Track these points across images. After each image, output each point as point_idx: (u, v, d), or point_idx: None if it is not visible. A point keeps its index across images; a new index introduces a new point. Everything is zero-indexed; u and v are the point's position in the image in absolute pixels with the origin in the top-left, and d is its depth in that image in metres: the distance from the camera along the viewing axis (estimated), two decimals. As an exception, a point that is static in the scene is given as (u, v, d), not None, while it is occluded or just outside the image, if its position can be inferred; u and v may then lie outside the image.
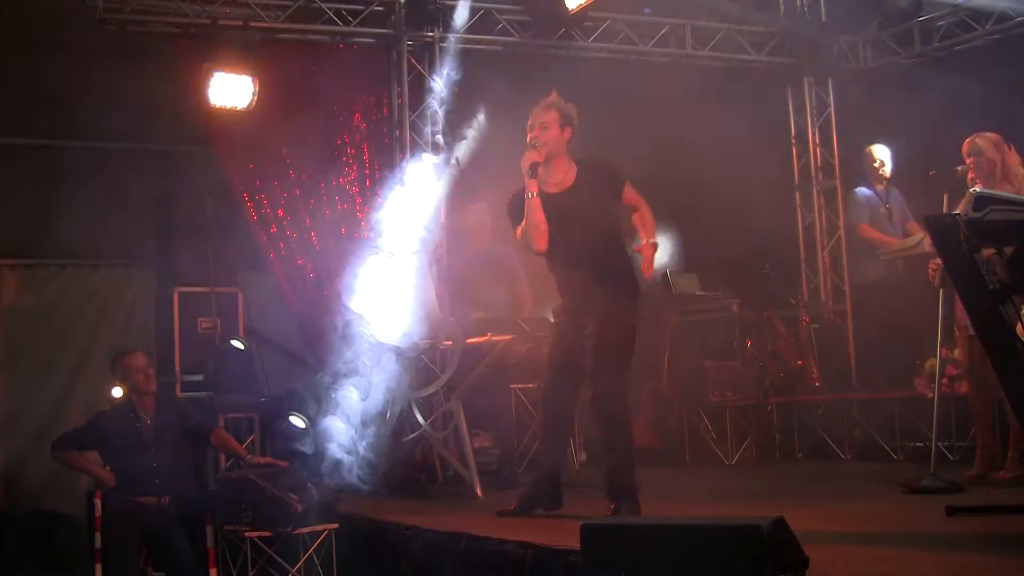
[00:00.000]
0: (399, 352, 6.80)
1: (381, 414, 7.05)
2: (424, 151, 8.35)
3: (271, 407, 8.37)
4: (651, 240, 5.45)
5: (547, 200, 5.43)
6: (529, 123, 5.51)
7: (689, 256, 9.22)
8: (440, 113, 8.43)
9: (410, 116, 8.73)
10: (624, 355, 5.34)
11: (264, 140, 8.63)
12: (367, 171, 8.93)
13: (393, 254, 7.04)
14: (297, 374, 8.72)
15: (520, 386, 7.77)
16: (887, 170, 8.49)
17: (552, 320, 5.78)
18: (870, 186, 8.54)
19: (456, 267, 8.12)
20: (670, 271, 8.94)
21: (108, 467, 6.48)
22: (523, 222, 5.36)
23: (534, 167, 5.33)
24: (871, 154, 8.48)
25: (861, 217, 8.50)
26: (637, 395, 8.56)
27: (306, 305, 8.61)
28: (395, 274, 7.03)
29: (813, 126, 10.11)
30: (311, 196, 8.87)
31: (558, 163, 5.55)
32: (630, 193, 5.48)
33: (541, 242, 5.33)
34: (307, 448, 6.37)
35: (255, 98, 8.27)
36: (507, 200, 5.55)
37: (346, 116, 8.98)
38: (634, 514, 5.26)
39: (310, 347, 8.41)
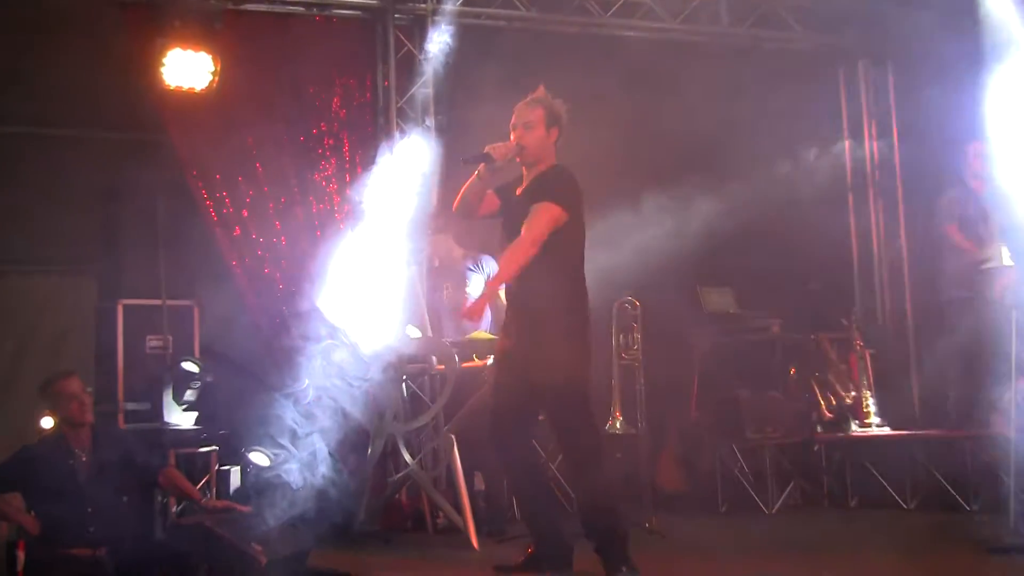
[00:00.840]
0: (385, 367, 6.86)
1: (361, 449, 7.16)
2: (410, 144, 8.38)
3: (231, 441, 8.16)
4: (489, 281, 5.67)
5: (510, 204, 5.70)
6: (512, 121, 5.66)
7: (722, 268, 9.21)
8: (432, 98, 8.61)
9: (397, 101, 8.79)
10: (579, 399, 5.47)
11: (227, 128, 8.58)
12: (347, 165, 8.88)
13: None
14: (262, 401, 8.08)
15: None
16: (987, 167, 8.30)
17: (496, 353, 5.88)
18: (966, 184, 8.42)
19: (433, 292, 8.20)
20: (700, 286, 8.95)
21: (33, 512, 6.26)
22: (462, 190, 5.61)
23: (481, 157, 5.52)
24: (973, 149, 8.32)
25: (946, 218, 8.42)
26: (661, 431, 8.65)
27: (273, 321, 8.55)
28: (382, 284, 7.15)
29: (870, 117, 10.05)
30: (281, 194, 8.82)
31: (543, 166, 5.72)
32: (538, 209, 5.52)
33: (463, 207, 5.64)
34: (272, 490, 6.34)
35: (216, 79, 8.29)
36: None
37: (323, 101, 8.95)
38: None
39: (277, 370, 7.97)
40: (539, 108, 5.67)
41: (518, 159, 5.65)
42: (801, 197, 8.99)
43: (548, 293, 5.52)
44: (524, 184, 5.76)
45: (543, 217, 5.50)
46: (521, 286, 5.61)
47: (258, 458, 6.83)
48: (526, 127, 5.64)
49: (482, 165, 5.61)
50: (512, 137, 5.65)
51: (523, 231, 5.51)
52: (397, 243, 7.57)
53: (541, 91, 5.73)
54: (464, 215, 5.78)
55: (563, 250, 5.59)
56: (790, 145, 8.98)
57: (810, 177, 9.13)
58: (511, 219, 5.66)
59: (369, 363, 6.98)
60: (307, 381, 6.73)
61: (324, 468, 6.46)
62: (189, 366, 8.27)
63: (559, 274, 5.56)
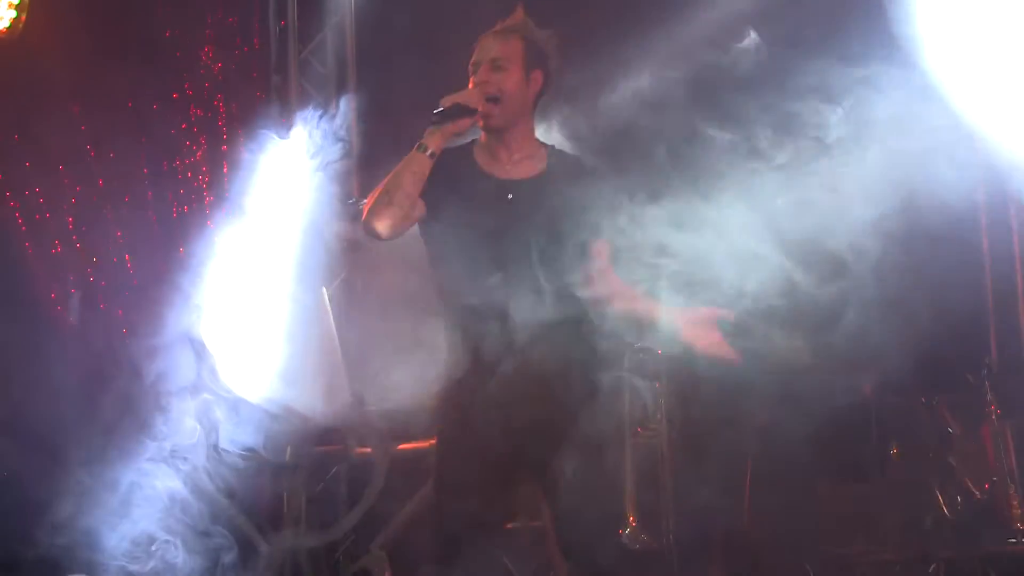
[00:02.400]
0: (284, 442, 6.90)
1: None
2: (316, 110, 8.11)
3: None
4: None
5: (493, 188, 5.38)
6: (473, 57, 5.41)
7: (791, 305, 8.41)
8: (352, 47, 8.58)
9: (299, 51, 8.64)
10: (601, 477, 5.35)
11: (39, 93, 8.43)
12: (224, 146, 8.76)
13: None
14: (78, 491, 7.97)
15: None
16: None
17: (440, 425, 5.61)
18: None
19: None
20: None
21: None
22: (379, 187, 5.33)
23: (456, 111, 5.24)
24: None
25: None
26: (698, 545, 8.31)
27: (108, 362, 8.28)
28: (277, 316, 7.27)
29: None
30: (125, 191, 8.66)
31: (518, 133, 5.44)
32: None
33: (388, 214, 5.29)
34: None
35: (24, 17, 8.12)
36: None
37: (187, 52, 8.83)
38: None
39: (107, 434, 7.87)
40: (514, 39, 5.35)
41: (479, 121, 5.33)
42: (910, 207, 8.13)
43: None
44: (509, 156, 5.41)
45: None
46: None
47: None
48: (494, 65, 5.30)
49: (443, 130, 5.29)
50: (471, 81, 5.35)
51: None
52: (300, 257, 7.54)
53: (520, 15, 5.41)
54: (392, 223, 5.34)
55: None
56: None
57: (923, 181, 8.15)
58: (519, 213, 5.32)
59: (261, 430, 6.89)
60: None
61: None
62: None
63: None
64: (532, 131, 5.52)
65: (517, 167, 5.41)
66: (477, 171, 5.40)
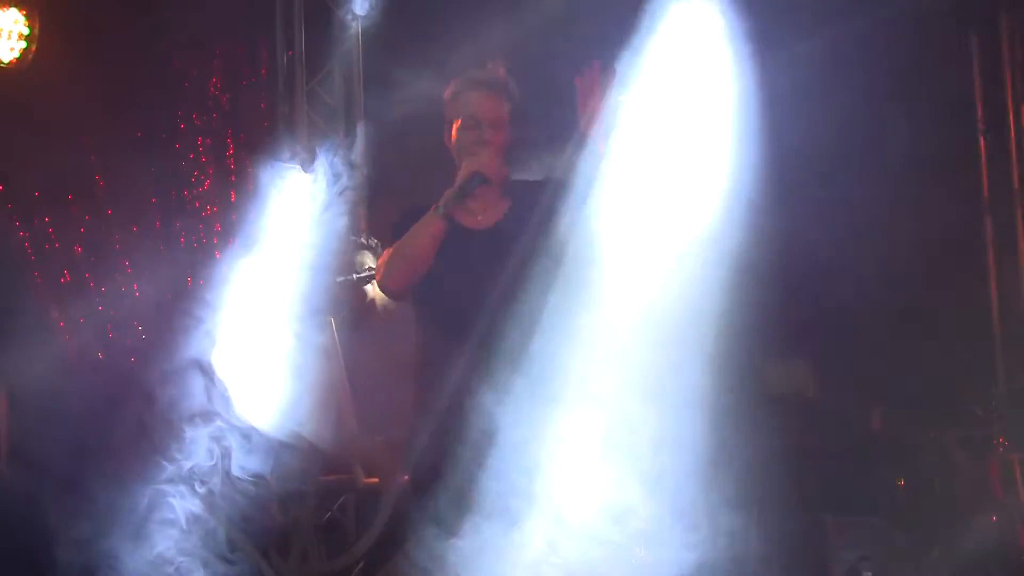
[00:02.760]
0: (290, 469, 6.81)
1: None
2: (329, 140, 8.05)
3: None
4: None
5: (461, 237, 5.43)
6: (470, 110, 5.44)
7: (795, 330, 8.77)
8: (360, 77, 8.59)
9: (308, 81, 8.59)
10: None
11: (50, 121, 8.35)
12: (232, 176, 8.71)
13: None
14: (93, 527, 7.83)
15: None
16: None
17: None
18: None
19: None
20: (761, 357, 8.54)
21: None
22: (395, 246, 5.43)
23: (477, 180, 5.31)
24: None
25: None
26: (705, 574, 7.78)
27: (117, 405, 8.08)
28: (283, 348, 7.13)
29: (1017, 99, 9.56)
30: (133, 220, 8.67)
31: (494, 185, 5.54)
32: None
33: (405, 276, 5.44)
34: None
35: (34, 48, 8.13)
36: (400, 214, 5.58)
37: (195, 81, 8.83)
38: None
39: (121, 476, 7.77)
40: (503, 100, 5.43)
41: (493, 172, 5.42)
42: (912, 219, 8.80)
43: None
44: (480, 204, 5.48)
45: None
46: None
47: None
48: (493, 127, 5.37)
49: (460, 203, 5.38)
50: (471, 136, 5.38)
51: None
52: (307, 287, 7.37)
53: (503, 72, 5.51)
54: (408, 283, 5.47)
55: None
56: (893, 143, 8.70)
57: (924, 189, 8.81)
58: (482, 261, 5.36)
59: (271, 459, 6.82)
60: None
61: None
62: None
63: None
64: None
65: (479, 216, 5.47)
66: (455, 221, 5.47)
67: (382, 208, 7.88)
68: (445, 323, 5.43)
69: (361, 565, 7.40)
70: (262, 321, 7.21)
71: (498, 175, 5.35)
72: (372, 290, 8.10)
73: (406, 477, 6.80)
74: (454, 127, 5.46)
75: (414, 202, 5.51)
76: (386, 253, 5.50)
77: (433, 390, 5.46)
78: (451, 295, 5.36)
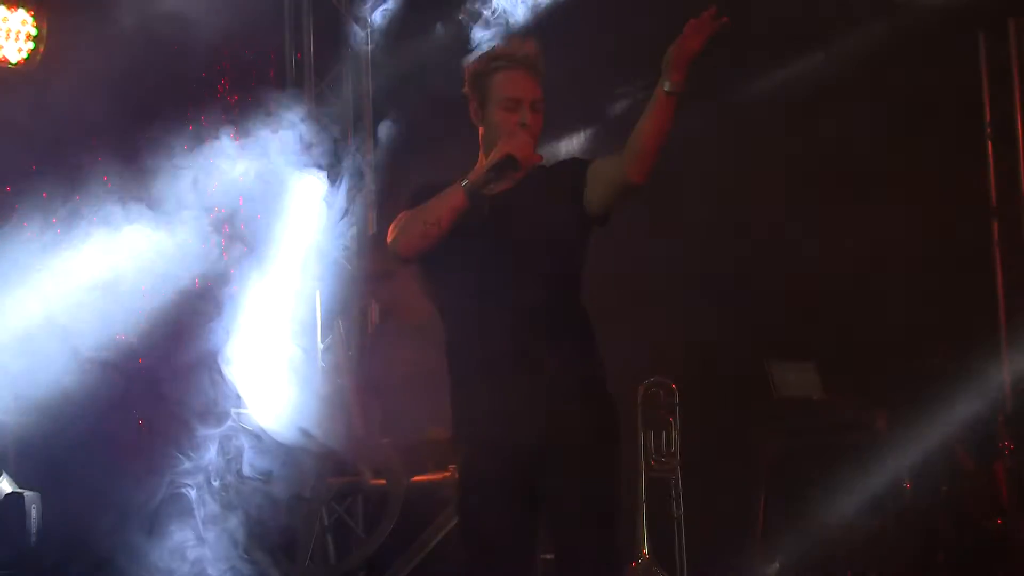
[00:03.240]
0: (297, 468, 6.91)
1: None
2: (339, 144, 8.26)
3: None
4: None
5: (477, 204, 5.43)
6: (508, 91, 5.35)
7: (802, 333, 8.93)
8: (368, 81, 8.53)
9: (317, 84, 8.54)
10: (614, 513, 5.19)
11: (57, 122, 8.24)
12: (240, 178, 8.36)
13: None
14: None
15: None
16: None
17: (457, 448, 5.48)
18: None
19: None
20: (770, 360, 8.70)
21: None
22: (413, 212, 5.33)
23: (510, 163, 5.22)
24: None
25: None
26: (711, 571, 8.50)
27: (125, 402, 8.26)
28: (288, 349, 7.17)
29: None
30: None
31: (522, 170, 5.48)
32: (598, 164, 5.31)
33: (419, 241, 5.32)
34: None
35: (41, 49, 8.16)
36: (413, 186, 5.49)
37: (202, 84, 8.82)
38: None
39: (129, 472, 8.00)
40: (538, 80, 5.33)
41: (532, 154, 5.34)
42: (918, 222, 8.74)
43: (587, 314, 5.24)
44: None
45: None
46: (561, 293, 5.26)
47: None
48: (534, 108, 5.28)
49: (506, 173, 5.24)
50: (515, 118, 5.26)
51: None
52: (314, 288, 7.57)
53: (535, 50, 5.36)
54: (422, 250, 5.35)
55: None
56: (901, 145, 8.70)
57: (933, 191, 8.79)
58: (497, 224, 5.27)
59: (279, 460, 6.98)
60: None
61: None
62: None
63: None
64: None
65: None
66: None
67: (391, 208, 7.71)
68: (450, 287, 5.38)
69: (367, 569, 7.38)
70: (272, 324, 7.24)
71: (530, 161, 5.27)
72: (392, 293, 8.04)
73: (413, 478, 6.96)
74: (491, 110, 5.36)
75: (427, 180, 5.44)
76: (400, 217, 5.40)
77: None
78: (453, 260, 5.32)
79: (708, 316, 8.47)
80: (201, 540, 6.58)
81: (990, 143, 9.74)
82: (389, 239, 5.35)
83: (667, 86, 4.84)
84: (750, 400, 8.67)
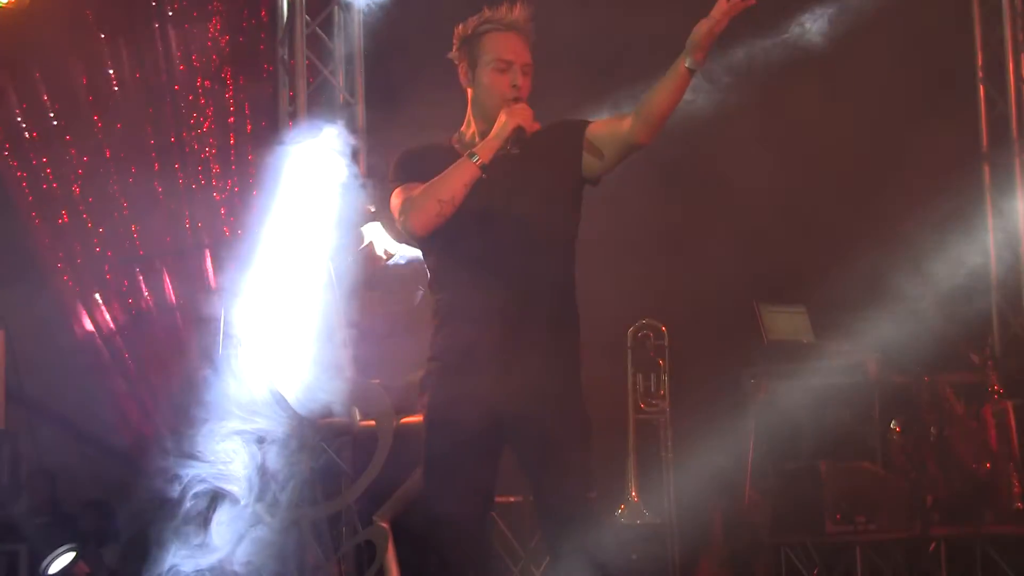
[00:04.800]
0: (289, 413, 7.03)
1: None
2: (334, 90, 8.19)
3: (51, 535, 8.03)
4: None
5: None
6: (499, 52, 5.37)
7: (794, 278, 8.97)
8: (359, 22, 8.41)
9: (307, 24, 8.36)
10: (587, 455, 5.23)
11: (47, 64, 8.54)
12: (232, 120, 8.74)
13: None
14: (102, 472, 8.60)
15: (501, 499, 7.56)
16: None
17: (429, 384, 5.50)
18: None
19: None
20: (760, 303, 8.67)
21: None
22: (424, 186, 5.34)
23: (519, 135, 5.30)
24: None
25: None
26: (699, 520, 8.39)
27: (125, 349, 8.52)
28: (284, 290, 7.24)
29: (1017, 52, 9.48)
30: (131, 162, 8.69)
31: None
32: (598, 126, 5.37)
33: (435, 219, 5.34)
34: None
35: None
36: (399, 155, 5.51)
37: (194, 25, 8.77)
38: None
39: (136, 421, 8.45)
40: (528, 43, 5.37)
41: (529, 122, 5.37)
42: (910, 173, 8.73)
43: (571, 287, 5.30)
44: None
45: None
46: (555, 255, 5.31)
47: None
48: (524, 71, 5.34)
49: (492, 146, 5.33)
50: (507, 82, 5.30)
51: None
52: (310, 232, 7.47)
53: (527, 17, 5.40)
54: (434, 224, 5.37)
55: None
56: (892, 98, 8.71)
57: (923, 143, 8.64)
58: (494, 189, 5.30)
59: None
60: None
61: None
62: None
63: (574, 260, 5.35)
64: None
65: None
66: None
67: (382, 155, 7.91)
68: (446, 240, 5.38)
69: (356, 509, 7.48)
70: (260, 266, 7.27)
71: (533, 129, 5.31)
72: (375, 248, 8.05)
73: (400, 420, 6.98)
74: (481, 71, 5.39)
75: (408, 148, 5.47)
76: (399, 193, 5.41)
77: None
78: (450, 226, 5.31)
79: (699, 261, 8.45)
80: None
81: (981, 87, 9.75)
82: (397, 215, 5.36)
83: (689, 63, 4.92)
84: (740, 343, 8.68)
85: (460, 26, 5.41)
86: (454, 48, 5.37)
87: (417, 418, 6.68)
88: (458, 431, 5.28)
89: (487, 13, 5.40)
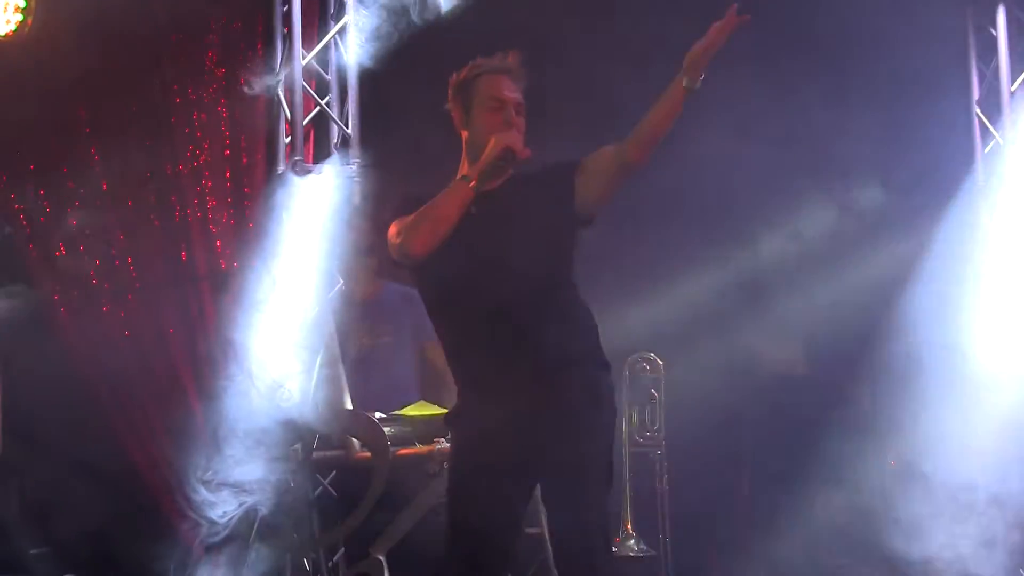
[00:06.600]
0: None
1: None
2: (330, 122, 8.20)
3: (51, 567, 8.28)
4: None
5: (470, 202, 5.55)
6: (492, 92, 5.51)
7: (788, 309, 8.87)
8: (359, 49, 8.33)
9: (304, 54, 8.33)
10: (604, 486, 5.31)
11: (45, 93, 8.44)
12: (227, 152, 8.61)
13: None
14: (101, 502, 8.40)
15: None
16: None
17: (450, 437, 5.73)
18: None
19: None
20: (755, 336, 8.92)
21: None
22: (418, 211, 5.43)
23: (509, 155, 5.36)
24: None
25: None
26: (695, 554, 8.47)
27: (122, 381, 8.42)
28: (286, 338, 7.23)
29: (1013, 79, 9.15)
30: (127, 194, 8.67)
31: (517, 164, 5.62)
32: (590, 157, 5.47)
33: (430, 239, 5.43)
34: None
35: (30, 21, 8.22)
36: (397, 198, 5.63)
37: (191, 53, 8.71)
38: None
39: (134, 453, 8.33)
40: (519, 85, 5.54)
41: (520, 149, 5.47)
42: (901, 203, 8.77)
43: (582, 300, 5.40)
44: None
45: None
46: (556, 285, 5.41)
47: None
48: (518, 110, 5.48)
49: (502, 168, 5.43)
50: (500, 117, 5.42)
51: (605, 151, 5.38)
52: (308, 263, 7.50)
53: (518, 62, 5.57)
54: (430, 247, 5.43)
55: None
56: (883, 132, 8.67)
57: (923, 173, 8.74)
58: (490, 221, 5.41)
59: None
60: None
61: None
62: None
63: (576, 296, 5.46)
64: None
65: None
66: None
67: (376, 181, 7.83)
68: (445, 286, 5.44)
69: (352, 541, 7.43)
70: (259, 296, 7.32)
71: (523, 154, 5.37)
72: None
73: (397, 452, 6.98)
74: (476, 112, 5.49)
75: (407, 193, 5.55)
76: (395, 225, 5.48)
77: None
78: (448, 258, 5.37)
79: (695, 293, 8.50)
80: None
81: (977, 122, 9.32)
82: (395, 243, 5.40)
83: (686, 82, 4.98)
84: (735, 375, 8.66)
85: (454, 75, 5.54)
86: (449, 97, 5.45)
87: (414, 450, 7.01)
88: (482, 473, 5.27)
89: (480, 60, 5.56)
